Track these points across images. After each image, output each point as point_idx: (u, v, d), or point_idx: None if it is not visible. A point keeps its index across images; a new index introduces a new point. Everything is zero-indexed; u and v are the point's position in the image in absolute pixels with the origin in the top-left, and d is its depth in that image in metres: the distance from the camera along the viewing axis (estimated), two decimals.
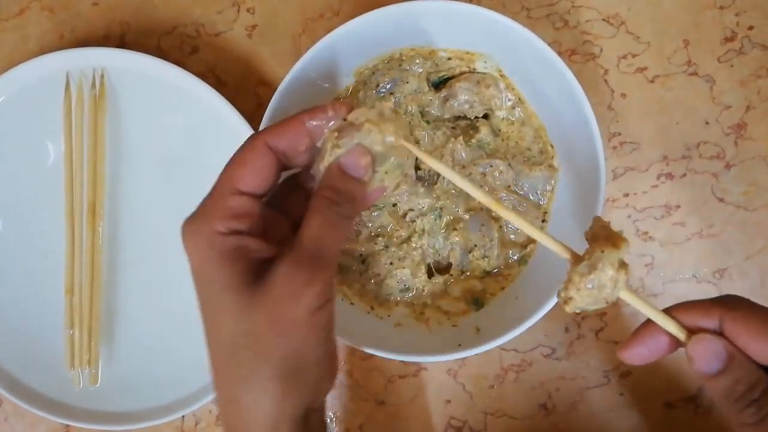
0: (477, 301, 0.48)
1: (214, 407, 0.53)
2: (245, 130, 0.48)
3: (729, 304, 0.30)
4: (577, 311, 0.32)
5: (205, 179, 0.50)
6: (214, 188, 0.33)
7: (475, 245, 0.47)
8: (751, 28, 0.51)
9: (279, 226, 0.34)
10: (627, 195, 0.51)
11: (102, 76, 0.50)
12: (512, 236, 0.48)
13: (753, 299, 0.50)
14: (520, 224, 0.33)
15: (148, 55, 0.49)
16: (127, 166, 0.52)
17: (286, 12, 0.53)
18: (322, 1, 0.52)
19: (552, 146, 0.47)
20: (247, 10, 0.53)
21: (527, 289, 0.47)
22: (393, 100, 0.48)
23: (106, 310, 0.52)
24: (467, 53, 0.47)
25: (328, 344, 0.32)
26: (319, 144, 0.34)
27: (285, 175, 0.36)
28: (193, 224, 0.32)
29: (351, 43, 0.44)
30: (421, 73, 0.48)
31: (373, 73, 0.48)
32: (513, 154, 0.48)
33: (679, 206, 0.51)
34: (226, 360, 0.30)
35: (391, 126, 0.33)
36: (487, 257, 0.47)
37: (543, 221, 0.48)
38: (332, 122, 0.33)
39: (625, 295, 0.31)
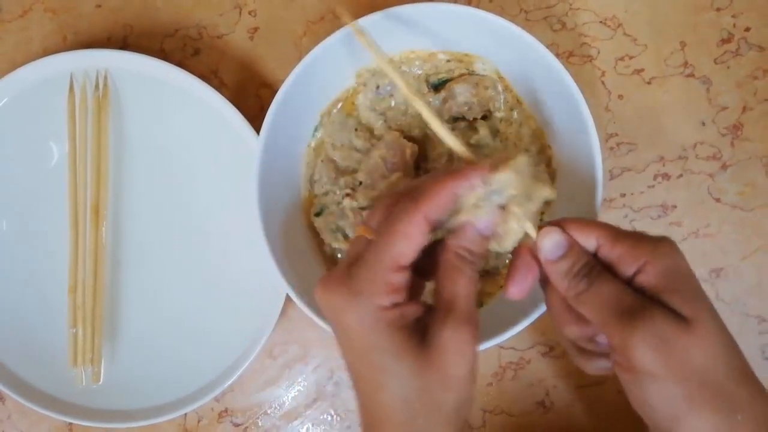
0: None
1: (216, 405, 0.53)
2: (247, 132, 0.48)
3: (571, 217, 0.37)
4: (505, 247, 0.36)
5: (206, 180, 0.52)
6: (373, 260, 0.34)
7: None
8: (747, 29, 0.51)
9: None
10: (624, 195, 0.52)
11: (105, 77, 0.50)
12: None
13: (750, 300, 0.51)
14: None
15: (150, 56, 0.49)
16: (129, 166, 0.52)
17: (287, 14, 0.53)
18: (323, 4, 0.53)
19: (550, 147, 0.48)
20: (249, 13, 0.53)
21: None
22: (392, 102, 0.48)
23: (108, 309, 0.52)
24: (466, 55, 0.47)
25: (475, 383, 0.36)
26: None
27: None
28: (353, 299, 0.33)
29: (351, 46, 0.45)
30: (420, 75, 0.48)
31: (373, 75, 0.48)
32: (513, 155, 0.48)
33: (675, 206, 0.51)
34: (402, 413, 0.34)
35: (524, 184, 0.35)
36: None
37: (540, 221, 0.48)
38: (477, 186, 0.35)
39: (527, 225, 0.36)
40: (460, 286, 0.34)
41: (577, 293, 0.35)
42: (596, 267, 0.35)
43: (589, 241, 0.36)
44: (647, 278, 0.34)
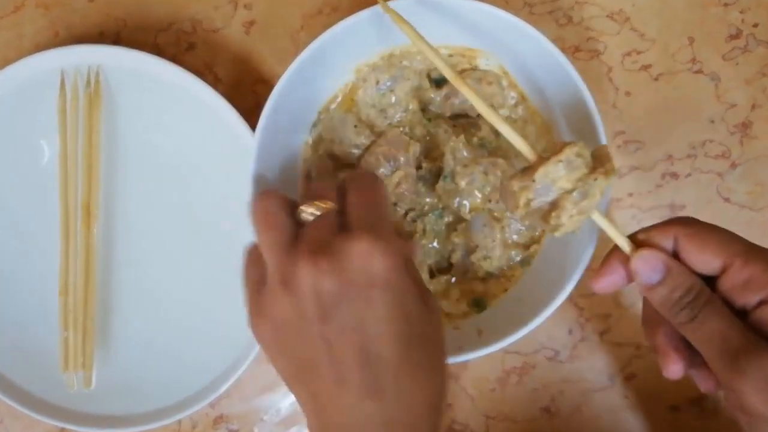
0: (479, 303, 0.47)
1: (212, 411, 0.53)
2: (242, 128, 0.48)
3: (682, 222, 0.34)
4: (559, 234, 0.34)
5: (201, 178, 0.51)
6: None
7: (477, 246, 0.47)
8: (756, 25, 0.51)
9: None
10: (631, 195, 0.51)
11: (97, 73, 0.50)
12: (515, 237, 0.47)
13: None
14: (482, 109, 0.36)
15: (143, 52, 0.49)
16: (122, 165, 0.51)
17: (284, 8, 0.52)
18: None
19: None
20: (245, 6, 0.52)
21: (530, 291, 0.46)
22: (393, 98, 0.47)
23: (100, 311, 0.52)
24: (469, 50, 0.47)
25: None
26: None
27: None
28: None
29: (350, 40, 0.44)
30: (421, 70, 0.47)
31: (373, 70, 0.47)
32: (515, 153, 0.47)
33: (684, 206, 0.51)
34: None
35: (577, 177, 0.34)
36: (489, 258, 0.47)
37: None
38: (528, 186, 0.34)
39: (596, 216, 0.34)
40: None
41: (678, 323, 0.32)
42: (702, 294, 0.32)
43: (713, 261, 0.32)
44: None
